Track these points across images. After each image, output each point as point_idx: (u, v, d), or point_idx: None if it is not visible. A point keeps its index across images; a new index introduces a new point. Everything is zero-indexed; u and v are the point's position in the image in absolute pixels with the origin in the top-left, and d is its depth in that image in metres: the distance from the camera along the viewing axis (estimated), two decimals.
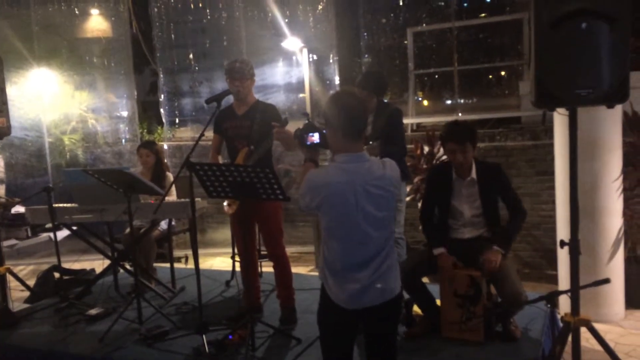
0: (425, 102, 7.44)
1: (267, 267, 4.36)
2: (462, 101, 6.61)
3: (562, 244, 2.66)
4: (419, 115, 6.83)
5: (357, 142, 2.24)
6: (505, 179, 3.33)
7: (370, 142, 3.54)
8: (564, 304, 3.15)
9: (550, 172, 5.27)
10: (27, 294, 4.88)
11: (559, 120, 4.18)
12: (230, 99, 3.69)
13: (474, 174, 3.27)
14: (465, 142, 3.19)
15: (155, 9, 6.89)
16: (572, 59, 2.47)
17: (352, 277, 2.21)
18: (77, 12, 7.00)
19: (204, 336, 3.27)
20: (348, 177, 2.18)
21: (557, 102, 2.56)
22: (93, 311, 3.96)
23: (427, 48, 6.95)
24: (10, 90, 4.29)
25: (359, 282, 2.20)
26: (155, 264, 4.74)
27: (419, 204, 5.22)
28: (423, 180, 5.15)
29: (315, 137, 2.46)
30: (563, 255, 4.30)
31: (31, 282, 4.98)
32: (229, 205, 3.62)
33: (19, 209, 4.89)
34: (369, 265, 2.22)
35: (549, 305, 2.61)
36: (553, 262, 5.16)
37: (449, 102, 7.38)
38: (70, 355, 3.38)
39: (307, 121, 2.57)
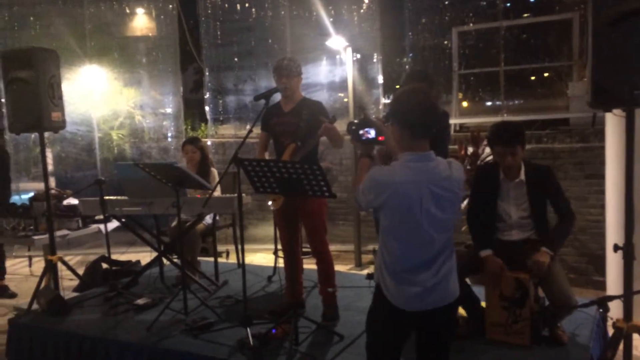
0: (465, 104, 7.33)
1: (307, 264, 4.40)
2: (503, 102, 6.51)
3: (617, 247, 2.60)
4: (463, 115, 6.76)
5: (424, 141, 2.19)
6: (555, 181, 3.26)
7: None
8: (613, 311, 3.07)
9: (599, 176, 5.14)
10: (75, 282, 5.06)
11: (612, 121, 4.07)
12: (277, 96, 3.74)
13: (522, 176, 3.22)
14: (515, 144, 3.13)
15: (203, 8, 7.03)
16: (631, 59, 2.41)
17: (412, 279, 2.18)
18: (127, 10, 7.22)
19: (248, 329, 3.32)
20: (414, 176, 2.14)
21: (615, 103, 2.51)
22: (140, 301, 4.07)
23: (471, 48, 6.85)
24: (63, 86, 4.44)
25: (419, 284, 2.17)
26: (198, 258, 4.84)
27: (462, 205, 5.17)
28: (466, 181, 5.09)
29: (372, 133, 2.42)
30: (613, 260, 4.19)
31: (79, 272, 5.15)
32: (274, 200, 3.67)
33: (71, 200, 5.05)
34: (429, 267, 2.18)
35: (601, 310, 2.55)
36: (600, 268, 5.04)
37: (489, 103, 7.27)
38: (119, 343, 3.48)
39: (362, 116, 2.56)
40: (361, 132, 2.43)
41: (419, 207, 2.13)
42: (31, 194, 5.42)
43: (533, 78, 7.29)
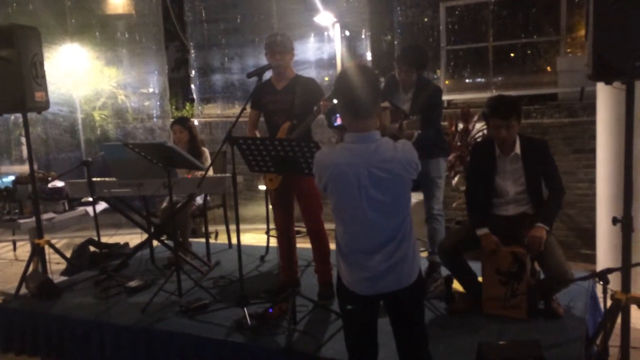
0: (453, 80, 7.29)
1: (300, 243, 4.37)
2: (491, 78, 6.49)
3: (615, 220, 2.61)
4: (451, 92, 6.73)
5: (365, 121, 2.09)
6: (550, 156, 3.26)
7: (411, 117, 3.50)
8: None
9: (587, 150, 5.19)
10: (62, 266, 4.98)
11: (604, 95, 4.08)
12: (267, 74, 3.66)
13: (517, 150, 3.21)
14: (510, 117, 3.11)
15: None
16: (632, 30, 2.39)
17: (361, 264, 2.14)
18: None
19: (245, 309, 3.29)
20: (352, 158, 2.08)
21: (616, 75, 2.49)
22: (132, 283, 4.01)
23: (460, 23, 6.79)
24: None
25: (368, 269, 2.13)
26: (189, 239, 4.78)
27: (453, 181, 5.20)
28: (457, 157, 5.10)
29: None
30: (604, 234, 4.24)
31: (66, 255, 5.06)
32: (270, 180, 3.62)
33: (56, 183, 4.94)
34: (377, 253, 2.12)
35: (601, 283, 2.57)
36: (588, 242, 5.11)
37: (478, 79, 7.25)
38: (114, 326, 3.43)
39: (334, 101, 2.47)
40: (333, 117, 2.38)
41: (358, 189, 2.07)
42: (12, 177, 5.30)
43: (520, 54, 7.28)
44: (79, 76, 6.97)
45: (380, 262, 2.12)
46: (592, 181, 4.82)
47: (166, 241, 4.67)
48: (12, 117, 6.69)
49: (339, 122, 2.37)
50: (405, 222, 2.16)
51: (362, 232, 2.13)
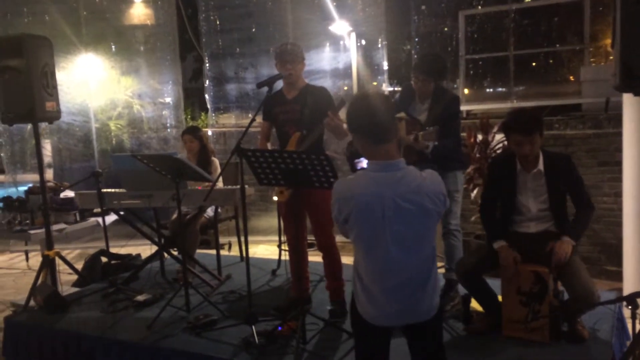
0: (472, 90, 7.13)
1: (312, 257, 4.25)
2: (512, 88, 6.31)
3: None
4: (470, 102, 6.57)
5: (387, 147, 1.98)
6: (576, 171, 3.08)
7: (427, 128, 3.37)
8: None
9: (612, 163, 4.98)
10: (74, 277, 4.93)
11: (630, 106, 3.90)
12: (279, 84, 3.57)
13: (540, 166, 3.04)
14: (533, 133, 2.94)
15: None
16: None
17: (380, 300, 2.02)
18: None
19: (253, 327, 3.18)
20: (377, 188, 1.94)
21: None
22: (141, 297, 3.93)
23: (479, 32, 6.64)
24: (58, 75, 4.28)
25: (387, 306, 2.02)
26: (198, 250, 4.68)
27: (472, 194, 5.03)
28: (476, 170, 4.94)
29: (364, 163, 2.30)
30: (631, 251, 4.04)
31: (78, 266, 5.02)
32: (280, 192, 3.52)
33: (68, 193, 4.90)
34: (398, 291, 2.00)
35: (629, 307, 2.39)
36: (613, 258, 4.90)
37: (498, 89, 7.09)
38: (119, 342, 3.34)
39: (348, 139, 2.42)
40: (356, 161, 2.31)
41: (382, 222, 1.94)
42: (29, 186, 5.28)
43: (542, 63, 7.09)
44: (95, 86, 6.95)
45: (401, 301, 2.01)
46: (618, 195, 4.62)
47: (176, 254, 4.58)
48: (28, 127, 6.69)
49: (361, 165, 2.29)
50: (428, 259, 2.04)
51: (384, 268, 2.00)
